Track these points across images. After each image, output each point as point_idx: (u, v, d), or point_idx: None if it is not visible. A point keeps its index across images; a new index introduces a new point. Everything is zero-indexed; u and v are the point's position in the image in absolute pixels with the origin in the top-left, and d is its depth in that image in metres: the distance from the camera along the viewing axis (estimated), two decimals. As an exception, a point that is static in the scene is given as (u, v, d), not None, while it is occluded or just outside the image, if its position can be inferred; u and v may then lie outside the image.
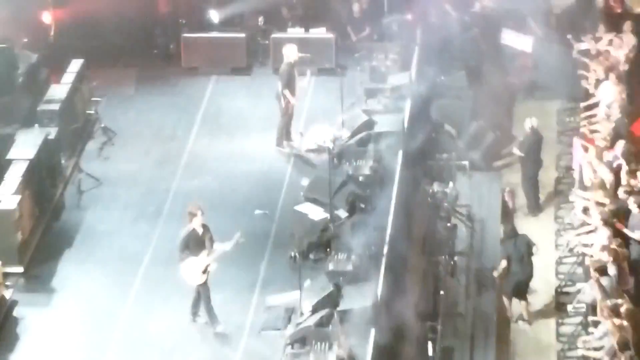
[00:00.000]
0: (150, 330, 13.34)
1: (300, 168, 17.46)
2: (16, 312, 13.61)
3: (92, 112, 18.21)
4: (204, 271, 12.52)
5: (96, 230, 15.81)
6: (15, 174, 14.57)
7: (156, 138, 19.26)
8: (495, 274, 13.91)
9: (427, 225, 14.82)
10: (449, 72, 19.13)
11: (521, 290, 13.85)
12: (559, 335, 14.14)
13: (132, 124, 19.18)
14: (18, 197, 13.86)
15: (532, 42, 19.89)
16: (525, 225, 15.77)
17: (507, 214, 15.57)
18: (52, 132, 15.83)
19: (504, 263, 13.62)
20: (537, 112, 19.29)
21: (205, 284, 12.49)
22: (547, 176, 17.53)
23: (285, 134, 17.63)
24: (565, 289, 14.97)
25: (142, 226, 16.32)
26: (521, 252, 13.55)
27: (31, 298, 14.22)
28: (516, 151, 16.40)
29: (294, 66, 17.41)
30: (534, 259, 14.14)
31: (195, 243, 12.35)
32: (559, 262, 15.47)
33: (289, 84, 17.16)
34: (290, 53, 18.00)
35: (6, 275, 13.64)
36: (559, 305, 14.76)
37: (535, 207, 16.05)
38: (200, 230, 12.34)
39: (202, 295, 12.67)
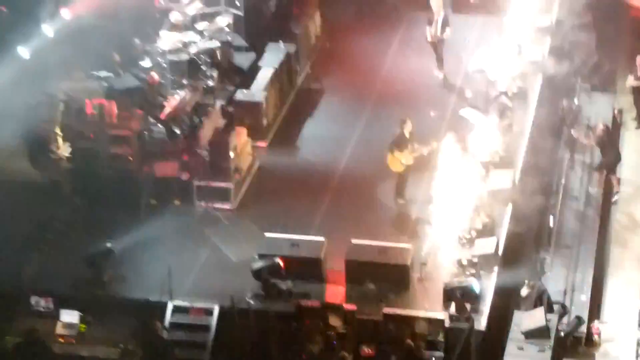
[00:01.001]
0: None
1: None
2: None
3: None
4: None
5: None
6: (264, 76, 19.79)
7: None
8: None
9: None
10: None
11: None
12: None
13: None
14: (265, 93, 19.18)
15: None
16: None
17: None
18: (292, 48, 21.05)
19: None
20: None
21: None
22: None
23: None
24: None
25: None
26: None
27: (274, 163, 19.27)
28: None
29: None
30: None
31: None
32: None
33: None
34: None
35: (255, 148, 19.01)
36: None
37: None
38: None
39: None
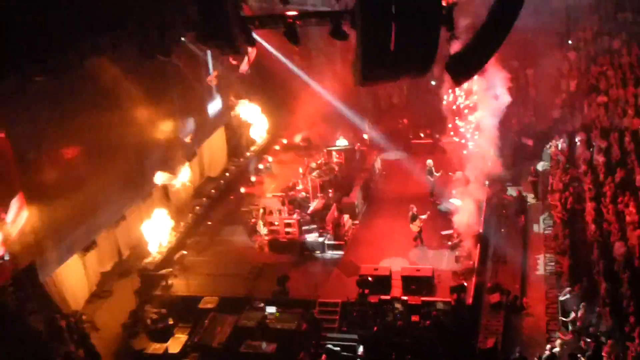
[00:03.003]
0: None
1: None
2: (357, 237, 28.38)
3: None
4: None
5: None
6: (356, 189, 30.64)
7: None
8: None
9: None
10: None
11: None
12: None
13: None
14: (359, 197, 30.16)
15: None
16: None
17: None
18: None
19: None
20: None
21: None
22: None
23: None
24: None
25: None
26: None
27: (361, 231, 28.70)
28: None
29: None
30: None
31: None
32: None
33: None
34: None
35: (353, 224, 29.48)
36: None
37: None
38: None
39: None
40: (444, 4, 18.41)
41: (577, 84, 34.83)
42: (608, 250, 23.45)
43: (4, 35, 17.42)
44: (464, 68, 19.31)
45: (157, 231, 27.78)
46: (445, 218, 27.66)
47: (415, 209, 27.05)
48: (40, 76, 19.88)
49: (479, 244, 25.69)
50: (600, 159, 28.94)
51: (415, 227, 26.97)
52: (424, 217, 26.98)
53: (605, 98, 33.04)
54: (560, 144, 31.54)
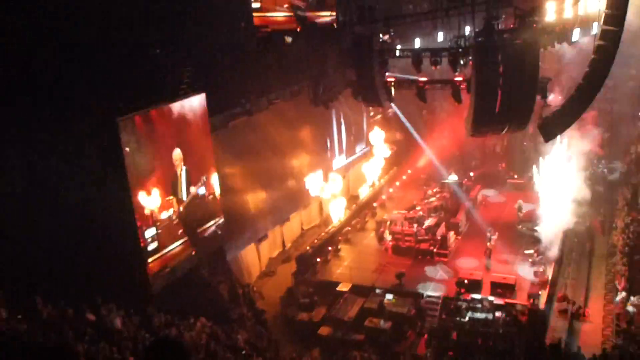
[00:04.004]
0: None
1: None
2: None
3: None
4: None
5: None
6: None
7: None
8: None
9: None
10: None
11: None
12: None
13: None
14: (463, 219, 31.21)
15: None
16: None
17: None
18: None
19: None
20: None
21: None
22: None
23: None
24: None
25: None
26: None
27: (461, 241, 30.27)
28: None
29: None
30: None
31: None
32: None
33: None
34: None
35: (455, 237, 31.53)
36: None
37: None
38: None
39: None
40: (541, 79, 18.47)
41: (645, 144, 33.49)
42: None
43: (222, 88, 18.64)
44: (553, 129, 19.22)
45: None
46: (526, 239, 27.29)
47: (491, 231, 27.21)
48: (241, 114, 21.05)
49: (554, 263, 25.11)
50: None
51: (489, 244, 26.97)
52: (494, 237, 27.02)
53: (666, 157, 31.86)
54: (625, 192, 30.33)
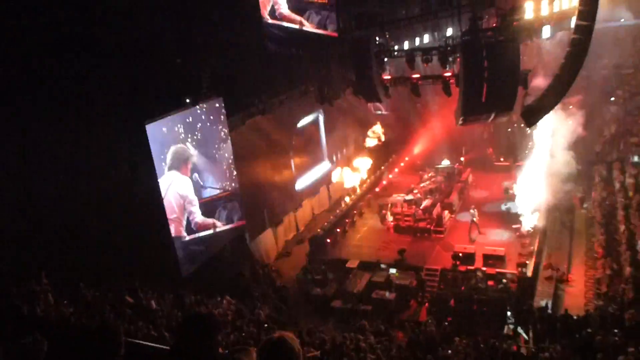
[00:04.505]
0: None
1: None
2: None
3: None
4: None
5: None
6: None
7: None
8: None
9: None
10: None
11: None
12: None
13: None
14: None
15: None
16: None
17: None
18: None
19: None
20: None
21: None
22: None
23: None
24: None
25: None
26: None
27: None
28: None
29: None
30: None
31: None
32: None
33: None
34: None
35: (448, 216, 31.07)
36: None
37: None
38: None
39: None
40: (522, 71, 18.25)
41: (616, 128, 33.02)
42: (633, 245, 22.31)
43: (238, 90, 18.57)
44: (534, 115, 18.98)
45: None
46: (513, 216, 26.84)
47: (473, 208, 26.95)
48: (256, 114, 21.00)
49: (539, 235, 24.89)
50: (630, 180, 27.42)
51: (474, 219, 26.62)
52: (476, 213, 26.65)
53: (636, 139, 31.21)
54: (600, 169, 30.03)
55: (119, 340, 3.80)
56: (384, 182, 34.36)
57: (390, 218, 28.40)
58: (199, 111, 18.87)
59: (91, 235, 15.50)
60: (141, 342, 6.29)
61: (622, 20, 38.07)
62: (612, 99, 35.38)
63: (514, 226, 26.30)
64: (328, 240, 26.91)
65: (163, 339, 12.85)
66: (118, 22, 14.80)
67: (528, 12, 21.14)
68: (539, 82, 21.15)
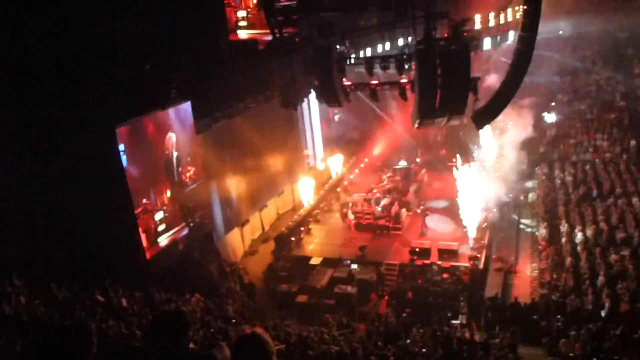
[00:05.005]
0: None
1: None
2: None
3: None
4: None
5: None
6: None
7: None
8: None
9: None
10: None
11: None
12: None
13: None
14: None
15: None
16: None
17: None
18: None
19: None
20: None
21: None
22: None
23: None
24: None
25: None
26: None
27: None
28: None
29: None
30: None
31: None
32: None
33: None
34: None
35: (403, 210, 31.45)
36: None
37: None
38: None
39: None
40: (472, 78, 18.46)
41: (556, 130, 33.83)
42: (573, 238, 23.00)
43: (205, 95, 18.32)
44: (483, 119, 19.25)
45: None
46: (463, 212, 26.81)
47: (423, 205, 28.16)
48: (222, 118, 20.73)
49: (489, 231, 25.26)
50: (570, 178, 28.34)
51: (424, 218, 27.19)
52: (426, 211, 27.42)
53: (574, 141, 32.26)
54: (543, 167, 30.64)
55: (91, 339, 3.62)
56: (345, 183, 34.32)
57: (351, 216, 28.36)
58: (168, 114, 18.50)
59: (61, 235, 15.04)
60: (113, 340, 6.08)
61: (560, 32, 39.28)
62: (553, 104, 36.19)
63: (464, 222, 26.48)
64: (292, 239, 26.75)
65: (134, 336, 12.50)
66: (86, 26, 14.27)
67: (477, 24, 21.62)
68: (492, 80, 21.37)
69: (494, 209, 26.40)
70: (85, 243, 15.25)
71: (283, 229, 27.33)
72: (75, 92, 14.71)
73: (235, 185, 24.84)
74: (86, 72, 14.63)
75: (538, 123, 32.66)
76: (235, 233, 25.89)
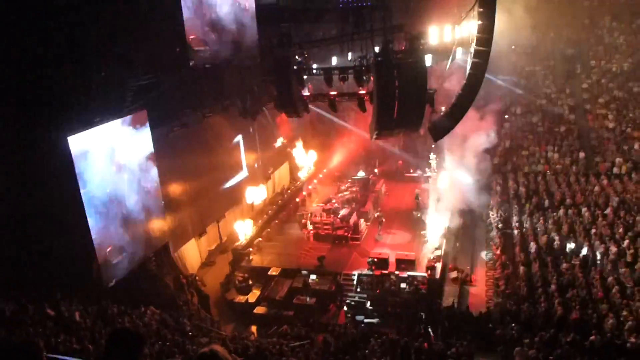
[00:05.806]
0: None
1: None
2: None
3: None
4: None
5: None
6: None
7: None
8: None
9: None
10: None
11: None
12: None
13: None
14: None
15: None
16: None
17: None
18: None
19: None
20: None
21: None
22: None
23: None
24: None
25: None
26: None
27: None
28: None
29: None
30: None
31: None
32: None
33: None
34: None
35: (365, 223, 31.73)
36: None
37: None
38: None
39: None
40: (429, 90, 18.86)
41: (510, 142, 34.57)
42: (526, 247, 23.55)
43: (160, 105, 18.03)
44: (440, 131, 19.62)
45: (244, 226, 27.73)
46: (422, 223, 27.41)
47: (379, 211, 28.58)
48: (178, 127, 20.45)
49: (445, 241, 25.45)
50: (522, 189, 29.16)
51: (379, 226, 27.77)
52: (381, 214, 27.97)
53: (527, 152, 33.22)
54: (497, 178, 31.32)
55: (40, 356, 3.49)
56: (304, 193, 34.32)
57: (310, 227, 28.37)
58: (123, 124, 18.10)
59: (10, 246, 14.46)
60: (63, 357, 5.86)
61: (513, 47, 40.50)
62: (506, 116, 37.15)
63: (422, 232, 26.87)
64: (250, 249, 26.49)
65: (87, 351, 12.12)
66: (41, 32, 13.90)
67: (433, 38, 22.06)
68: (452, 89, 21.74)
69: (451, 219, 26.68)
70: (35, 254, 14.73)
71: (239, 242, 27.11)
72: (28, 100, 14.36)
73: (192, 196, 24.43)
74: (39, 80, 14.28)
75: (499, 130, 33.26)
76: (192, 244, 25.43)
